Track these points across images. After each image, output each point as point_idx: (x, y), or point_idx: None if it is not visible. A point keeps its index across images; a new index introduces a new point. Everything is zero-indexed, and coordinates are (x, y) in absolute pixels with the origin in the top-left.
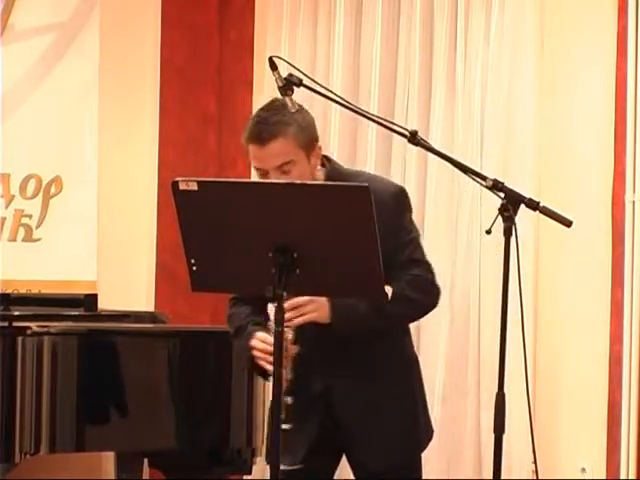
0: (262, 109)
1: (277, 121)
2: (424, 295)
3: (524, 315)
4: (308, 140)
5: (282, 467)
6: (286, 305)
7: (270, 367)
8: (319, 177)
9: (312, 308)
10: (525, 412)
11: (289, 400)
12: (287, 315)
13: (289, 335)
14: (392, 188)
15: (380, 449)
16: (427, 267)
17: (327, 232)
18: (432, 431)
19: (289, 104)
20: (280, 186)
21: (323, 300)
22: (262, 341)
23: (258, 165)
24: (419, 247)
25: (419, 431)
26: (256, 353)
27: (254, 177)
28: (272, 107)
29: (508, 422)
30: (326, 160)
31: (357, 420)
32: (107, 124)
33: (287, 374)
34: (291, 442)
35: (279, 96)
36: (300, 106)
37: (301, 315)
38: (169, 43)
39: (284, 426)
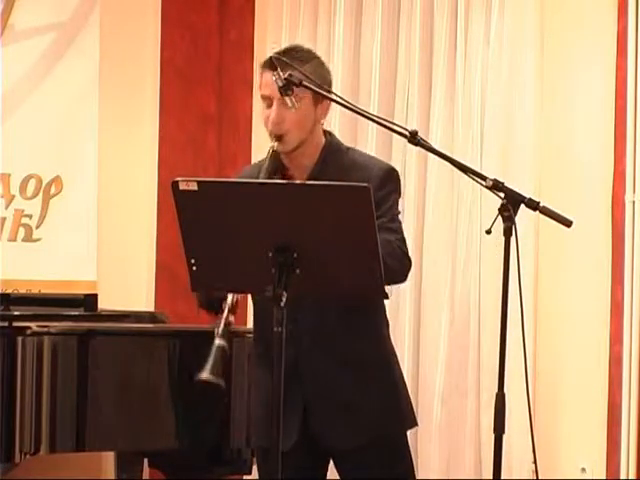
0: (287, 46)
1: (293, 56)
2: (394, 261)
3: (524, 315)
4: (319, 86)
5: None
6: None
7: None
8: (319, 142)
9: None
10: (525, 412)
11: (232, 318)
12: None
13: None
14: (384, 165)
15: (359, 423)
16: (402, 239)
17: (327, 232)
18: (415, 421)
19: (289, 104)
20: (280, 186)
21: None
22: None
23: (265, 92)
24: (396, 221)
25: (400, 410)
26: None
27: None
28: (296, 46)
29: (508, 422)
30: (328, 134)
31: (325, 402)
32: (107, 124)
33: (230, 318)
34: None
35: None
36: (319, 57)
37: None
38: (169, 43)
39: (219, 342)
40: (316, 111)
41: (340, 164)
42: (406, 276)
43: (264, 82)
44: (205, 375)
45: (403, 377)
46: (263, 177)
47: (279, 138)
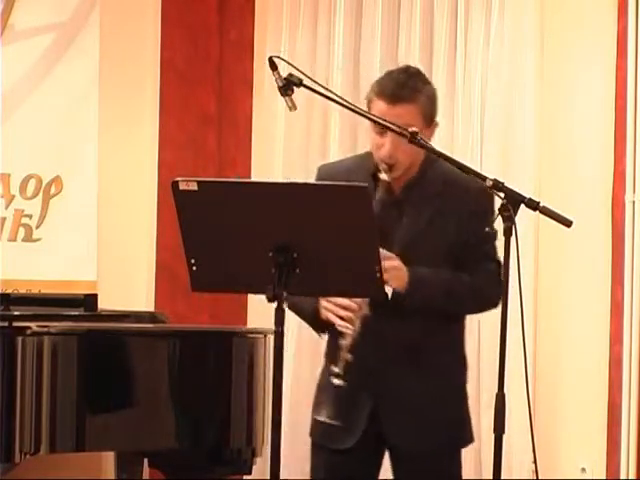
0: (398, 70)
1: (413, 87)
2: (495, 292)
3: (524, 315)
4: (431, 113)
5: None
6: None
7: (337, 320)
8: (420, 159)
9: (395, 274)
10: (525, 412)
11: (349, 357)
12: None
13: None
14: (479, 184)
15: (423, 434)
16: (500, 267)
17: (327, 232)
18: (472, 437)
19: (289, 104)
20: (280, 186)
21: (405, 269)
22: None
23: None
24: (495, 247)
25: (465, 424)
26: (325, 304)
27: (254, 177)
28: (408, 71)
29: (508, 422)
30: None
31: (398, 402)
32: (107, 124)
33: (355, 332)
34: (342, 428)
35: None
36: (429, 80)
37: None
38: (169, 43)
39: (337, 382)
40: (427, 135)
41: (436, 178)
42: (497, 305)
43: (380, 111)
44: (323, 418)
45: (466, 388)
46: (376, 205)
47: (390, 167)
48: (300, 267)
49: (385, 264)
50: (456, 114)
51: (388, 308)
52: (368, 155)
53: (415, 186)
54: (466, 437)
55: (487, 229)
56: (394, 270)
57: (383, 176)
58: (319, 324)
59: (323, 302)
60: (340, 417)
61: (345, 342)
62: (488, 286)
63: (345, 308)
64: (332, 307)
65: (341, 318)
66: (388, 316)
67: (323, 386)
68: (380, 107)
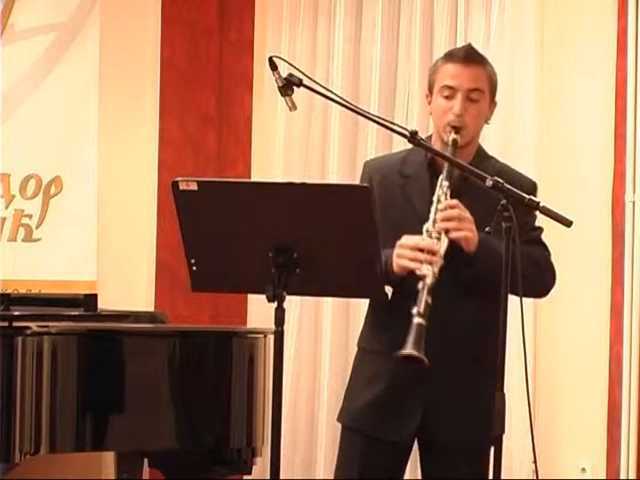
0: (463, 47)
1: (481, 55)
2: (548, 277)
3: (524, 315)
4: (495, 87)
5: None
6: (452, 203)
7: (411, 264)
8: (476, 143)
9: (471, 227)
10: (525, 412)
11: (430, 300)
12: (447, 214)
13: (445, 241)
14: (531, 180)
15: (458, 425)
16: (551, 255)
17: (327, 232)
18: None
19: (289, 104)
20: (280, 186)
21: (475, 229)
22: (412, 239)
23: (452, 83)
24: (543, 237)
25: (504, 415)
26: (399, 251)
27: (254, 177)
28: (474, 48)
29: (508, 422)
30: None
31: (456, 396)
32: (107, 124)
33: (435, 275)
34: (397, 417)
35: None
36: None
37: (459, 225)
38: (169, 43)
39: (418, 320)
40: (490, 110)
41: (490, 168)
42: (549, 290)
43: (453, 74)
44: (409, 350)
45: None
46: (447, 166)
47: (457, 130)
48: (300, 267)
49: (460, 213)
50: None
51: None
52: (416, 150)
53: (469, 177)
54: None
55: (535, 221)
56: (470, 223)
57: (452, 136)
58: (392, 279)
59: (397, 250)
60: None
61: (424, 284)
62: (546, 266)
63: (422, 250)
64: (409, 253)
65: (419, 262)
66: (446, 297)
67: (375, 379)
68: (451, 70)
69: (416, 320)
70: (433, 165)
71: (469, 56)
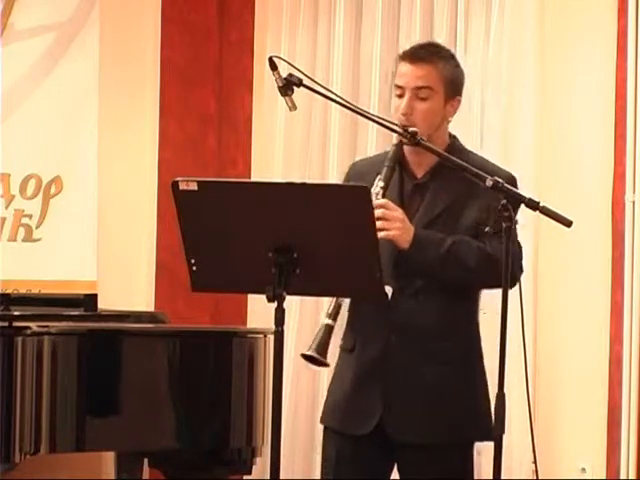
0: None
1: (434, 51)
2: (516, 269)
3: (524, 315)
4: (452, 84)
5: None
6: (381, 203)
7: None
8: (444, 140)
9: (399, 225)
10: (525, 412)
11: (340, 301)
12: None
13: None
14: (507, 172)
15: (439, 422)
16: (520, 249)
17: (327, 232)
18: (490, 433)
19: (289, 104)
20: (280, 186)
21: (410, 226)
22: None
23: (400, 82)
24: (516, 231)
25: (478, 417)
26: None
27: (254, 177)
28: (432, 41)
29: (508, 422)
30: (452, 136)
31: (410, 397)
32: (107, 124)
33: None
34: (357, 410)
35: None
36: (455, 58)
37: (385, 225)
38: (169, 43)
39: (327, 321)
40: (445, 108)
41: (464, 160)
42: (514, 283)
43: (401, 72)
44: (311, 351)
45: (486, 379)
46: (387, 166)
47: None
48: (300, 267)
49: (386, 213)
50: (456, 114)
51: (401, 288)
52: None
53: (439, 172)
54: (482, 431)
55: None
56: (400, 222)
57: (397, 139)
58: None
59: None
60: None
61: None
62: (516, 261)
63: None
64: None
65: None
66: (402, 298)
67: (342, 373)
68: (401, 69)
69: (324, 321)
70: (402, 163)
71: (416, 54)
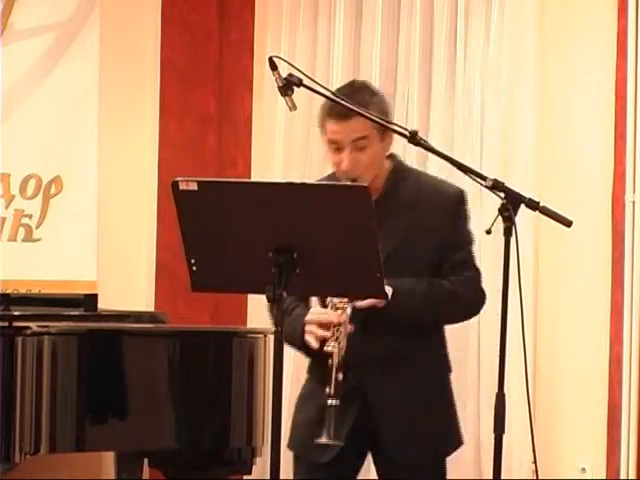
0: (343, 87)
1: (359, 100)
2: (474, 299)
3: (524, 315)
4: (383, 118)
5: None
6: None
7: (315, 344)
8: (386, 167)
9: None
10: (525, 412)
11: (340, 377)
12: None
13: (347, 311)
14: (456, 190)
15: (410, 446)
16: (479, 273)
17: (327, 232)
18: (461, 441)
19: (289, 104)
20: (280, 186)
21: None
22: (317, 313)
23: (334, 138)
24: (472, 253)
25: (452, 431)
26: (307, 328)
27: (254, 177)
28: (354, 85)
29: (508, 422)
30: (392, 156)
31: (389, 415)
32: (107, 124)
33: (342, 350)
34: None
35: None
36: (378, 91)
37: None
38: (169, 43)
39: (332, 402)
40: (383, 145)
41: (408, 188)
42: (480, 310)
43: (333, 130)
44: (324, 439)
45: (451, 387)
46: None
47: (354, 181)
48: (300, 267)
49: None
50: (456, 114)
51: (368, 323)
52: (332, 175)
53: (387, 199)
54: (453, 443)
55: (463, 236)
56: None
57: None
58: (308, 350)
59: (307, 327)
60: (338, 437)
61: (332, 362)
62: (467, 293)
63: (323, 326)
64: (312, 329)
65: (323, 339)
66: (366, 329)
67: (307, 398)
68: (332, 127)
69: (329, 402)
70: None
71: (342, 112)
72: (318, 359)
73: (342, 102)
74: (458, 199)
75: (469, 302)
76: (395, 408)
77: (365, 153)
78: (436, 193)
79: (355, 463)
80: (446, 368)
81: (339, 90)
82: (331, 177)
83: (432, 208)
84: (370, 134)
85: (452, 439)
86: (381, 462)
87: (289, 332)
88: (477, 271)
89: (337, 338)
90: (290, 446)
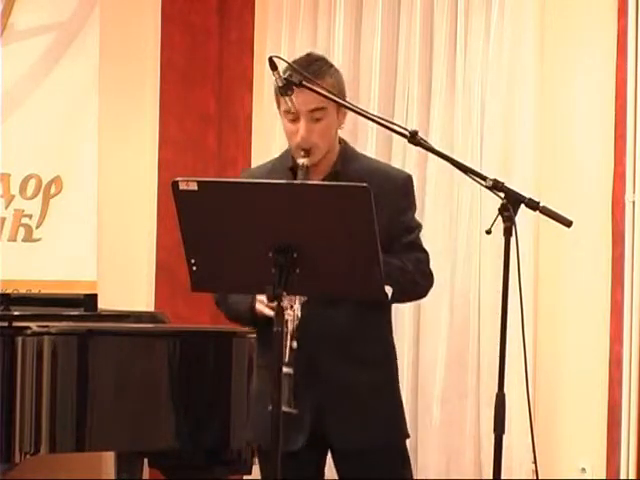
0: (300, 59)
1: (316, 70)
2: (424, 279)
3: (524, 315)
4: (340, 93)
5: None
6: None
7: (269, 311)
8: (336, 148)
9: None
10: (525, 412)
11: (295, 344)
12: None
13: (297, 307)
14: (404, 174)
15: (363, 430)
16: (428, 255)
17: (327, 232)
18: (407, 433)
19: (289, 104)
20: (280, 186)
21: None
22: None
23: (288, 108)
24: (420, 237)
25: (403, 419)
26: (259, 297)
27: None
28: (310, 56)
29: (508, 422)
30: (341, 140)
31: (340, 403)
32: (107, 124)
33: (296, 319)
34: (289, 427)
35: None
36: (333, 65)
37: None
38: (169, 43)
39: (287, 370)
40: (338, 119)
41: (358, 169)
42: (426, 293)
43: (291, 101)
44: (284, 408)
45: (399, 381)
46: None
47: (307, 152)
48: (300, 267)
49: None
50: (456, 113)
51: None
52: (287, 152)
53: (338, 179)
54: (404, 432)
55: (412, 219)
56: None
57: (301, 160)
58: (257, 321)
59: (258, 296)
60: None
61: (287, 329)
62: (418, 272)
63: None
64: (264, 298)
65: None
66: (316, 305)
67: (262, 392)
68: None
69: (284, 370)
70: (296, 172)
71: (298, 78)
72: (265, 334)
73: (344, 103)
74: (407, 183)
75: (420, 283)
76: (344, 391)
77: (321, 124)
78: (386, 176)
79: (320, 455)
80: (394, 357)
81: (295, 61)
82: (283, 156)
83: (382, 190)
84: (327, 105)
85: (401, 428)
86: (335, 450)
87: (235, 302)
88: (426, 253)
89: (292, 306)
90: (255, 440)
